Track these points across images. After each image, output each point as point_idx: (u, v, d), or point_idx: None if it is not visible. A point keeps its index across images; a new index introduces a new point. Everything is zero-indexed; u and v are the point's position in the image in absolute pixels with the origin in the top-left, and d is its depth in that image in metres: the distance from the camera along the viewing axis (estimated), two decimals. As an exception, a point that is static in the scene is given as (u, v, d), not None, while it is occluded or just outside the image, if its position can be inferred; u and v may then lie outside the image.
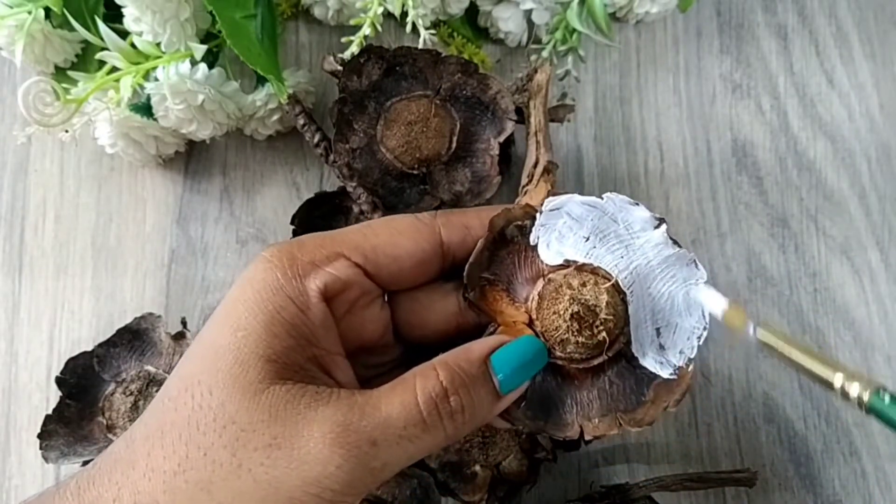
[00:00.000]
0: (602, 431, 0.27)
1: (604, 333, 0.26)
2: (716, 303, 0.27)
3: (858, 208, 0.47)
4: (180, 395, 0.24)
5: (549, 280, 0.27)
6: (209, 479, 0.23)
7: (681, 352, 0.27)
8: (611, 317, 0.26)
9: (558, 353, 0.27)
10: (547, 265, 0.28)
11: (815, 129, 0.48)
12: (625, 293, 0.27)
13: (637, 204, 0.27)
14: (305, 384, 0.24)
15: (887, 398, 0.22)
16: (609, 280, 0.27)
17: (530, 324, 0.27)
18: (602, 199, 0.28)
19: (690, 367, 0.27)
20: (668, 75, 0.48)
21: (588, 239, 0.27)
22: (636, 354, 0.27)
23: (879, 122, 0.48)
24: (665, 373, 0.27)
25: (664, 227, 0.27)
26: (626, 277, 0.27)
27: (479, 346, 0.26)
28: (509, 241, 0.28)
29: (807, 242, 0.46)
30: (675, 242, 0.27)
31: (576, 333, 0.26)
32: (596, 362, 0.27)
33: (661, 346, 0.27)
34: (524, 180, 0.37)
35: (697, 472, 0.40)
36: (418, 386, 0.24)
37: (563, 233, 0.28)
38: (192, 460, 0.23)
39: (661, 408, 0.27)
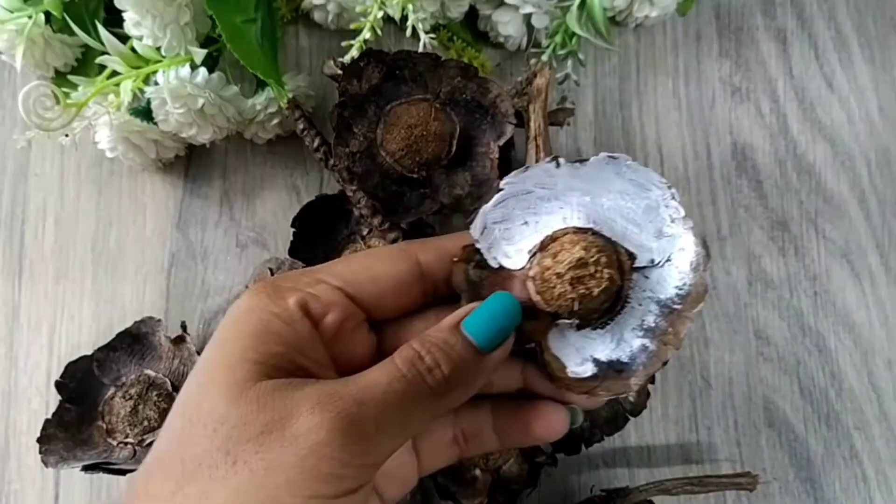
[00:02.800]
0: (682, 334, 0.27)
1: (606, 271, 0.26)
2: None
3: (858, 212, 0.47)
4: (173, 421, 0.24)
5: (532, 278, 0.27)
6: (207, 485, 0.22)
7: (672, 219, 0.27)
8: (599, 255, 0.26)
9: (598, 318, 0.27)
10: (520, 269, 0.28)
11: (814, 132, 0.48)
12: (590, 227, 0.27)
13: (527, 168, 0.27)
14: (293, 379, 0.24)
15: None
16: (569, 233, 0.27)
17: (558, 317, 0.28)
18: (502, 189, 0.28)
19: (689, 224, 0.27)
20: (668, 79, 0.48)
21: (527, 222, 0.28)
22: (645, 255, 0.27)
23: (879, 126, 0.48)
24: (676, 245, 0.27)
25: (561, 160, 0.27)
26: (580, 217, 0.27)
27: (449, 318, 0.26)
28: (479, 283, 0.28)
29: (807, 246, 0.46)
30: (580, 161, 0.27)
31: (588, 298, 0.26)
32: (624, 293, 0.27)
33: (658, 230, 0.27)
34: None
35: (698, 475, 0.40)
36: (395, 356, 0.25)
37: (505, 237, 0.28)
38: (188, 474, 0.22)
39: (700, 272, 0.27)
